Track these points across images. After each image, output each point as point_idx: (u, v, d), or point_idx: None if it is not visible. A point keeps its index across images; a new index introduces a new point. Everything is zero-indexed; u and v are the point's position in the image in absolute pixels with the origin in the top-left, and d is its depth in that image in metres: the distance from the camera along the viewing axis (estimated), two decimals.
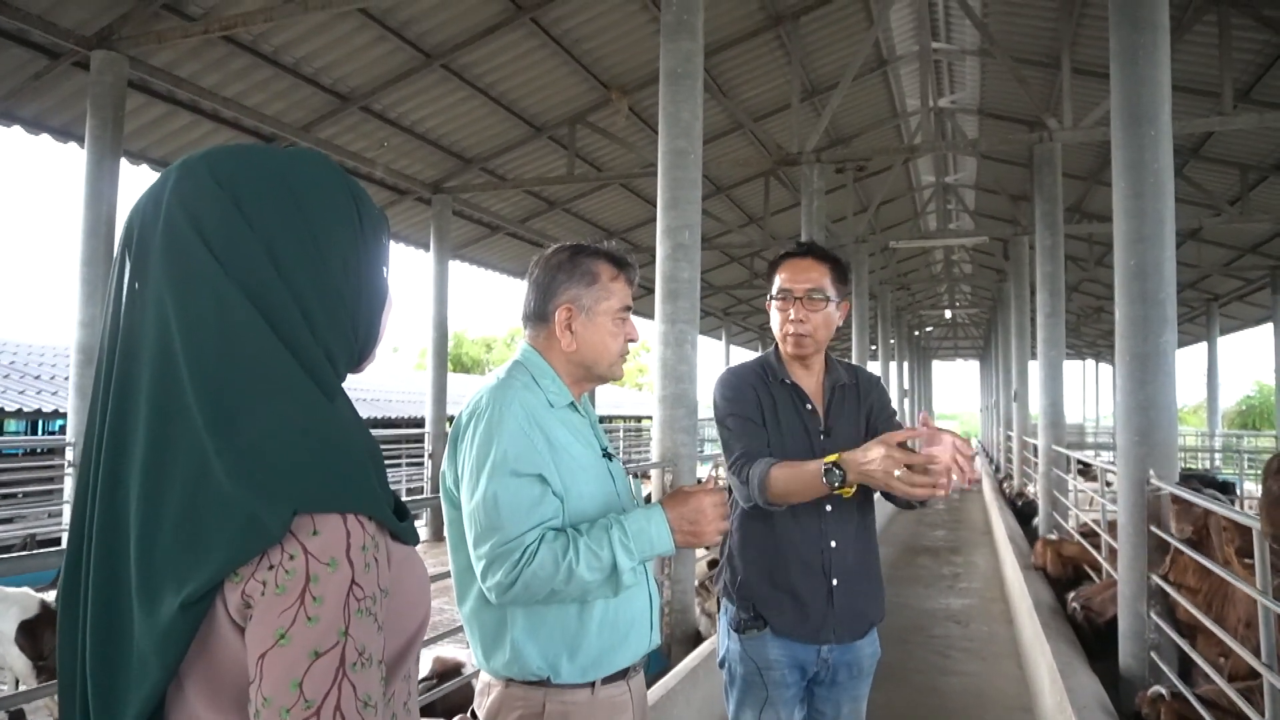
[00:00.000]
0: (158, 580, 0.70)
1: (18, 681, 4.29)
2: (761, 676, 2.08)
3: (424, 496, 11.20)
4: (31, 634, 4.13)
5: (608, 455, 1.69)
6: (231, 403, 0.71)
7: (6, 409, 11.06)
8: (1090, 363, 34.56)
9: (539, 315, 1.66)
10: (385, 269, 0.88)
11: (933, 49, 10.34)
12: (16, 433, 13.69)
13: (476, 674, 1.50)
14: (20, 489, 9.74)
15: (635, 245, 14.06)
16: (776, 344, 2.18)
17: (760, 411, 2.11)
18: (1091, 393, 34.65)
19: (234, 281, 0.74)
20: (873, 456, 1.74)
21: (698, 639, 4.55)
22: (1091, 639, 4.65)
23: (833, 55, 10.35)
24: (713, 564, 5.65)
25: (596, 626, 1.55)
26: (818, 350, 2.12)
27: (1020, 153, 11.57)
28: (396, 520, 0.79)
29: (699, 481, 1.74)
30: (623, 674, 1.61)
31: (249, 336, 0.73)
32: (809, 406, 2.12)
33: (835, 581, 2.07)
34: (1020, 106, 11.11)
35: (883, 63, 11.03)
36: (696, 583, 5.13)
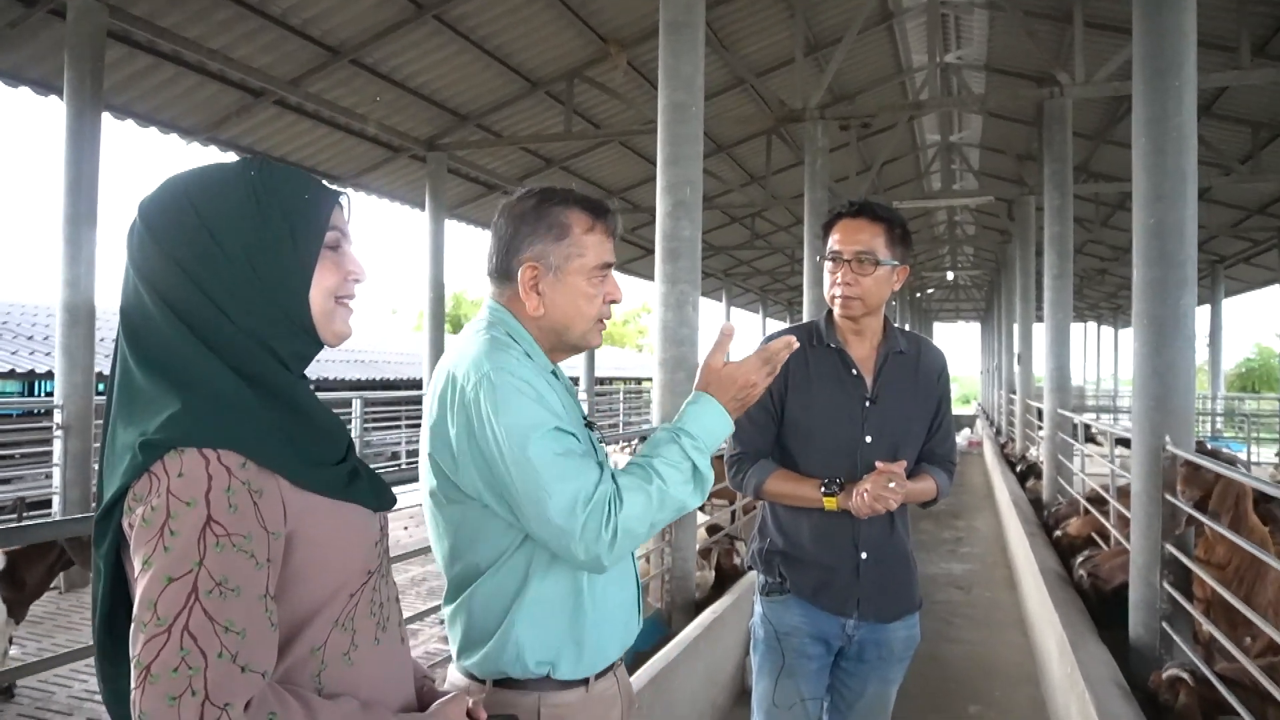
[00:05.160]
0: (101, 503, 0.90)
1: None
2: (780, 642, 2.05)
3: None
4: (11, 577, 4.21)
5: (590, 424, 1.53)
6: (138, 375, 0.91)
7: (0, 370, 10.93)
8: (1092, 325, 34.42)
9: (502, 272, 1.45)
10: (309, 244, 0.97)
11: (940, 1, 10.03)
12: (12, 394, 13.58)
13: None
14: (17, 450, 9.66)
15: (635, 205, 13.84)
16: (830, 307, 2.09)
17: (782, 392, 2.01)
18: (1093, 356, 34.57)
19: (148, 286, 0.92)
20: (866, 486, 1.88)
21: (698, 607, 4.46)
22: (1097, 607, 4.56)
23: (837, 8, 10.03)
24: (712, 530, 5.56)
25: (595, 613, 1.42)
26: (868, 314, 2.02)
27: (1027, 110, 11.30)
28: (302, 471, 0.92)
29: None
30: (610, 666, 1.49)
31: (156, 324, 0.92)
32: (854, 372, 2.03)
33: (864, 555, 2.02)
34: (1029, 62, 10.81)
35: (888, 16, 10.71)
36: (697, 548, 5.03)
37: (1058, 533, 6.31)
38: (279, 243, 0.95)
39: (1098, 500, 6.14)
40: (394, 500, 1.09)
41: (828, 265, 2.03)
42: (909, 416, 2.05)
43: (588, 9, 8.68)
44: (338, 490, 0.97)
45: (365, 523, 1.01)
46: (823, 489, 1.94)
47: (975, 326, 39.28)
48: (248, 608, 0.84)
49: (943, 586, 6.39)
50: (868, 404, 2.02)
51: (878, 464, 1.89)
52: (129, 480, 0.85)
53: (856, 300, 1.98)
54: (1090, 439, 8.54)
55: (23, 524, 3.16)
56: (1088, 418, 8.89)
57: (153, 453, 0.84)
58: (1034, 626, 4.99)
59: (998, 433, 17.73)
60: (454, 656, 1.46)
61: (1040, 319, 9.83)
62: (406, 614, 3.33)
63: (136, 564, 0.84)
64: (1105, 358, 33.84)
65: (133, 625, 0.82)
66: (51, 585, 4.80)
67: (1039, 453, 9.74)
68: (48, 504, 7.26)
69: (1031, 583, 5.33)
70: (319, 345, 1.01)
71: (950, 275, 25.59)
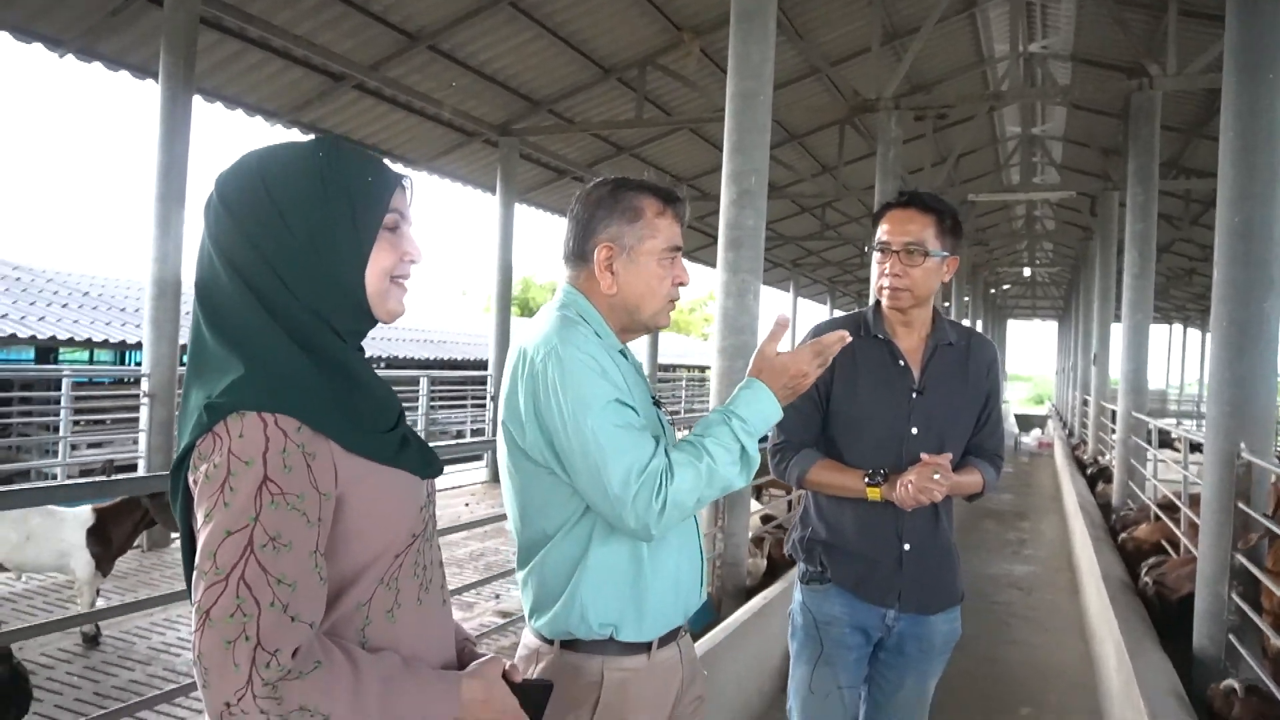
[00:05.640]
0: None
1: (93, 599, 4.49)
2: (819, 631, 2.06)
3: (485, 439, 11.37)
4: (99, 533, 4.51)
5: (657, 403, 1.62)
6: (209, 338, 0.97)
7: (94, 339, 11.52)
8: (1178, 327, 33.07)
9: (578, 254, 1.55)
10: (368, 225, 1.01)
11: None
12: (104, 363, 14.31)
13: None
14: (107, 416, 10.19)
15: (704, 192, 13.80)
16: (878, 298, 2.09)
17: (828, 382, 2.01)
18: (1177, 359, 33.22)
19: (222, 257, 0.99)
20: (911, 477, 1.86)
21: (748, 595, 4.49)
22: (1162, 617, 4.44)
23: None
24: (766, 519, 5.57)
25: (656, 580, 1.49)
26: (917, 305, 2.02)
27: (1114, 102, 10.88)
28: (353, 437, 0.97)
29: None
30: (673, 635, 1.56)
31: (228, 294, 0.97)
32: (901, 363, 2.03)
33: (907, 546, 2.01)
34: (1118, 52, 10.40)
35: (970, 4, 10.43)
36: (750, 536, 5.05)
37: (1123, 536, 6.14)
38: (339, 222, 0.99)
39: (1169, 507, 5.95)
40: (441, 469, 1.15)
41: (876, 256, 2.03)
42: (957, 408, 2.03)
43: None
44: (387, 456, 1.01)
45: (412, 488, 1.06)
46: (866, 479, 1.94)
47: (1052, 325, 38.12)
48: (299, 562, 0.89)
49: (1003, 588, 6.27)
50: (915, 395, 2.01)
51: (923, 455, 1.89)
52: (195, 438, 0.91)
53: (905, 291, 1.97)
54: (1167, 444, 8.26)
55: (110, 479, 3.38)
56: (1168, 423, 8.58)
57: (216, 414, 0.90)
58: (1094, 632, 4.88)
59: (1070, 435, 17.22)
60: (526, 618, 1.54)
61: (1120, 319, 9.51)
62: (465, 586, 3.44)
63: (199, 517, 0.90)
64: (1191, 361, 32.48)
65: (194, 573, 0.88)
66: (135, 544, 5.09)
67: (1111, 456, 9.44)
68: (134, 467, 7.66)
69: (1093, 587, 5.20)
70: (373, 321, 1.05)
71: (1027, 271, 24.87)
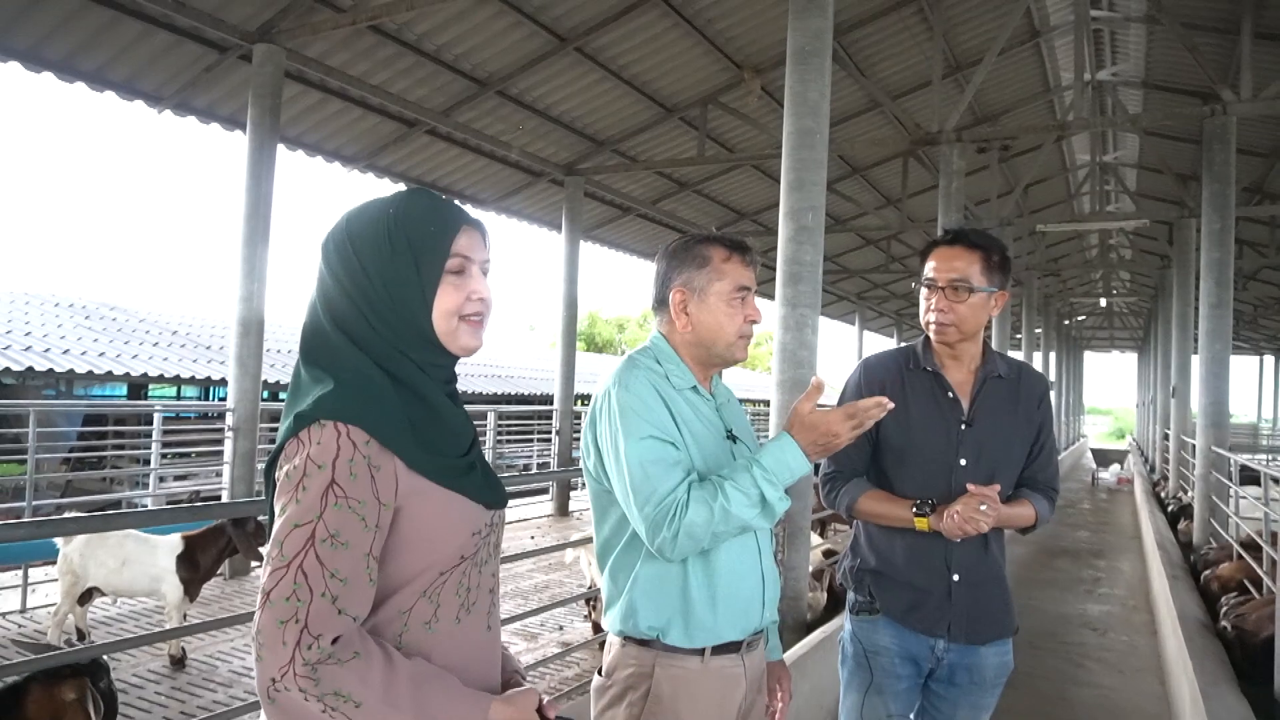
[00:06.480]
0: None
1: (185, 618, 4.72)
2: (868, 660, 2.09)
3: (550, 471, 11.52)
4: (189, 560, 4.80)
5: (732, 437, 1.74)
6: (303, 372, 1.12)
7: (182, 376, 12.11)
8: (1269, 359, 31.62)
9: (660, 301, 1.75)
10: (430, 272, 1.13)
11: (1092, 17, 9.63)
12: (192, 398, 15.00)
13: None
14: (193, 449, 10.66)
15: (766, 227, 13.89)
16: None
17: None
18: (1269, 391, 31.72)
19: (324, 301, 1.14)
20: (957, 508, 1.89)
21: (809, 628, 4.48)
22: (1243, 660, 4.27)
23: (979, 28, 9.82)
24: (828, 553, 5.55)
25: (702, 595, 1.62)
26: (964, 339, 2.06)
27: (1189, 128, 10.63)
28: (418, 457, 1.07)
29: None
30: (736, 647, 1.66)
31: (325, 333, 1.13)
32: (950, 395, 2.07)
33: (956, 577, 2.03)
34: (1191, 77, 10.21)
35: (1034, 34, 10.37)
36: (810, 570, 5.05)
37: (1206, 575, 5.91)
38: (404, 271, 1.12)
39: (1252, 546, 5.72)
40: (505, 500, 1.24)
41: (923, 291, 2.07)
42: (1007, 440, 2.05)
43: (723, 37, 8.87)
44: (449, 480, 1.11)
45: (469, 513, 1.14)
46: (914, 510, 1.97)
47: (1132, 357, 36.83)
48: (353, 561, 1.00)
49: (1076, 628, 6.09)
50: (964, 427, 2.03)
51: (969, 486, 1.91)
52: (283, 441, 1.06)
53: (951, 327, 2.02)
54: (1252, 480, 7.93)
55: (192, 504, 3.64)
56: (1259, 459, 8.23)
57: (302, 422, 1.03)
58: (1170, 674, 4.71)
59: (1153, 470, 16.59)
60: (603, 614, 1.74)
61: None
62: (526, 613, 3.54)
63: (276, 509, 1.02)
64: None
65: (264, 558, 1.01)
66: (218, 571, 5.35)
67: (1193, 493, 9.09)
68: (218, 498, 8.01)
69: (1170, 628, 5.03)
70: (448, 355, 1.17)
71: (1103, 302, 24.13)
